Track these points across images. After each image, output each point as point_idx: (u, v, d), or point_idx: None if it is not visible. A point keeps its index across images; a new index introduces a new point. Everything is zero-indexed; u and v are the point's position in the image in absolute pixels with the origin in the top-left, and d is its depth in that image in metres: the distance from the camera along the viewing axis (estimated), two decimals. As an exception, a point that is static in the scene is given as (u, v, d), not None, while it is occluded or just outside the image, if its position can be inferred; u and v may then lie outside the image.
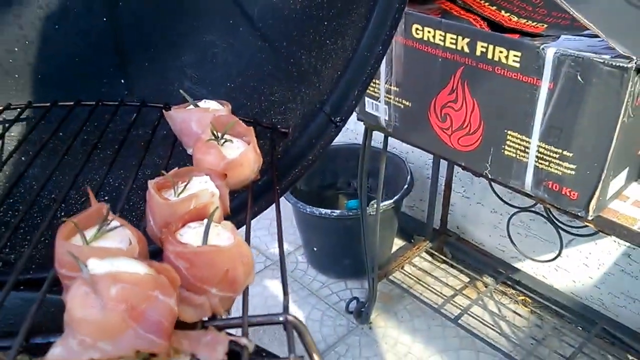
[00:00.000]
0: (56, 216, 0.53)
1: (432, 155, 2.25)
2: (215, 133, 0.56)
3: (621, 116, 1.07)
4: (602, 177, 1.13)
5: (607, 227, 1.21)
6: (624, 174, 1.22)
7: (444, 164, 2.22)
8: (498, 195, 1.86)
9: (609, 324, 1.93)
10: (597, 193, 1.15)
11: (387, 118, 1.54)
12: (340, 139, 2.57)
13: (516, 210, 1.82)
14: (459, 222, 2.38)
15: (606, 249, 1.89)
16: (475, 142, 1.34)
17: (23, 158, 0.73)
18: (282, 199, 1.20)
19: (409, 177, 2.23)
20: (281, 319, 0.43)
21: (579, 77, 1.08)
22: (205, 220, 0.46)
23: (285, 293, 0.45)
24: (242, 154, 0.55)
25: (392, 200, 2.11)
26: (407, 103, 1.46)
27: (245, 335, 0.42)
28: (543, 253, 2.04)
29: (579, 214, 1.20)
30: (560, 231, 1.68)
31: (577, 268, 2.02)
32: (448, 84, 1.33)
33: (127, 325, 0.39)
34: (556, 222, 1.70)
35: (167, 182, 0.52)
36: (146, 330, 0.40)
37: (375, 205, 1.94)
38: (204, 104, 0.63)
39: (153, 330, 0.40)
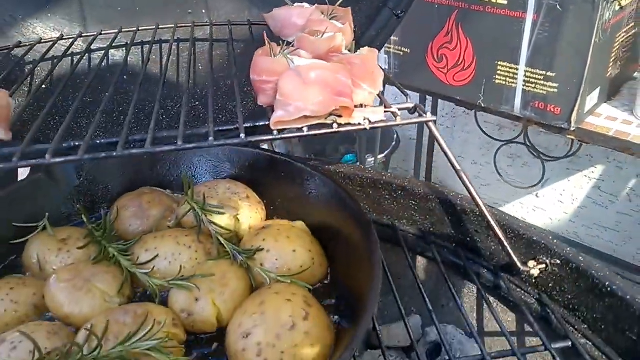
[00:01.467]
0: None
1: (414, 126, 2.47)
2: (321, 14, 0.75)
3: (594, 37, 1.31)
4: (581, 92, 1.37)
5: (586, 137, 1.45)
6: (596, 93, 1.46)
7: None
8: (484, 132, 2.07)
9: (584, 252, 2.18)
10: (576, 106, 1.39)
11: (386, 67, 1.74)
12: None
13: (500, 144, 2.03)
14: (442, 177, 2.61)
15: (578, 184, 2.16)
16: (469, 77, 1.56)
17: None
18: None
19: (395, 136, 2.45)
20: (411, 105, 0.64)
21: (558, 7, 1.32)
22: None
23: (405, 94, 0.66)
24: (346, 25, 0.75)
25: (383, 155, 2.32)
26: (407, 50, 1.67)
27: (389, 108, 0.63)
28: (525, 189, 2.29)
29: (563, 126, 1.44)
30: (542, 156, 1.92)
31: (553, 206, 2.28)
32: (444, 27, 1.55)
33: (324, 93, 0.61)
34: (538, 150, 1.94)
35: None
36: (337, 95, 0.61)
37: (368, 160, 2.14)
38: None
39: (341, 95, 0.61)
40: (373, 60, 0.70)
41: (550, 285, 0.71)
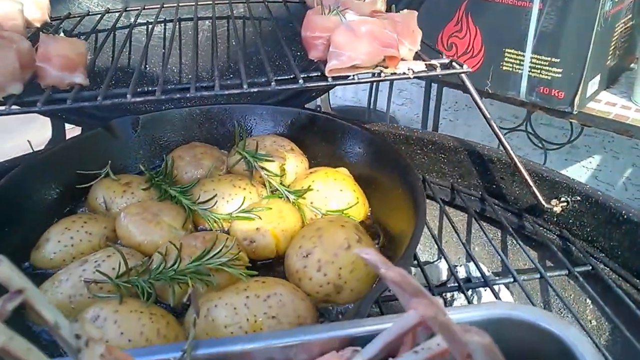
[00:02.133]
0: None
1: (418, 112, 2.57)
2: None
3: (595, 25, 1.42)
4: (583, 77, 1.48)
5: (588, 120, 1.56)
6: (597, 79, 1.58)
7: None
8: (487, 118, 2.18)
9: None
10: (579, 91, 1.50)
11: (397, 55, 1.85)
12: (339, 102, 2.85)
13: (505, 132, 2.15)
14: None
15: (577, 173, 2.27)
16: (477, 64, 1.67)
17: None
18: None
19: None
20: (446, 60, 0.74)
21: (563, -4, 1.43)
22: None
23: (440, 52, 0.75)
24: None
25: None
26: (417, 39, 1.77)
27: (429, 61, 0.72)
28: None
29: (566, 109, 1.54)
30: (544, 143, 2.03)
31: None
32: (454, 17, 1.66)
33: (373, 45, 0.71)
34: (540, 137, 2.05)
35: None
36: (384, 46, 0.70)
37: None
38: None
39: (388, 46, 0.70)
40: (413, 20, 0.80)
41: (571, 221, 0.80)
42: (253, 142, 0.92)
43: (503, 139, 0.79)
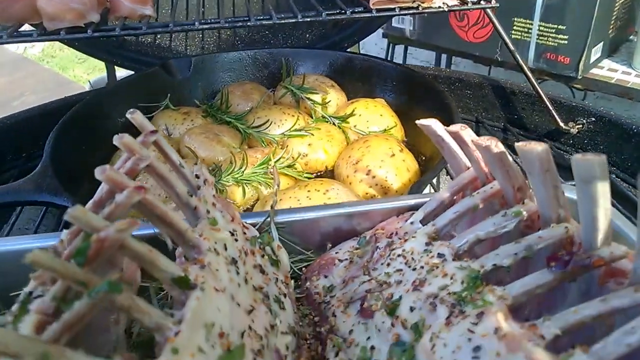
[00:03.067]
0: None
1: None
2: None
3: (600, -8, 1.54)
4: (587, 43, 1.59)
5: (591, 85, 1.68)
6: (600, 47, 1.69)
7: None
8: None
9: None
10: (583, 56, 1.61)
11: (411, 28, 1.96)
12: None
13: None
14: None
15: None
16: (487, 33, 1.78)
17: None
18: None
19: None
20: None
21: (570, -35, 1.55)
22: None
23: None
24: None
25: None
26: (430, 11, 1.89)
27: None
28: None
29: (571, 74, 1.66)
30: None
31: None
32: (465, -12, 1.77)
33: None
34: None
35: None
36: None
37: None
38: None
39: None
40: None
41: (586, 141, 0.91)
42: (297, 79, 1.02)
43: (525, 68, 0.90)
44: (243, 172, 0.79)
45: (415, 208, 0.61)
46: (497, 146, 0.50)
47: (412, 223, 0.58)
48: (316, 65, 1.09)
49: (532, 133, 1.00)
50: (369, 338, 0.48)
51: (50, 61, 4.17)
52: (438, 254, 0.50)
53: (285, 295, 0.53)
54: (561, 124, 0.91)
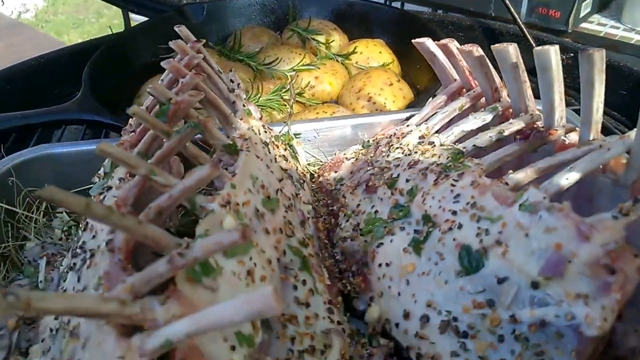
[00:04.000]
0: None
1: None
2: None
3: (588, -53, 1.65)
4: (577, -4, 1.71)
5: (581, 38, 1.80)
6: (590, 1, 1.81)
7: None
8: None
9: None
10: (573, 10, 1.73)
11: (408, -16, 2.06)
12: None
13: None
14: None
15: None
16: (482, -11, 1.89)
17: None
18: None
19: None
20: None
21: None
22: None
23: None
24: None
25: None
26: (426, -33, 1.99)
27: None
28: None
29: (561, 28, 1.78)
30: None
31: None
32: (460, -55, 1.87)
33: None
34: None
35: None
36: None
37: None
38: None
39: None
40: None
41: (564, 75, 1.04)
42: (303, 22, 1.14)
43: (519, 21, 1.02)
44: (259, 98, 0.92)
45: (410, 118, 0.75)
46: (477, 51, 0.63)
47: (408, 125, 0.71)
48: (319, 11, 1.20)
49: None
50: (373, 206, 0.61)
51: (44, 26, 4.24)
52: (429, 142, 0.64)
53: (303, 181, 0.66)
54: (543, 60, 1.04)
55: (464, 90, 0.70)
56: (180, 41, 0.60)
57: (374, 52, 1.05)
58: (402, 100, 0.93)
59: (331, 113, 0.88)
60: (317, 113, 0.88)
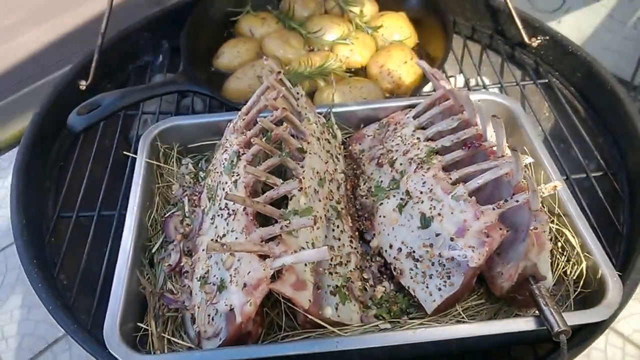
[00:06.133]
0: None
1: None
2: None
3: None
4: None
5: None
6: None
7: None
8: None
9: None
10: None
11: None
12: None
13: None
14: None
15: (595, 11, 2.82)
16: None
17: None
18: None
19: None
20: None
21: None
22: None
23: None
24: None
25: None
26: None
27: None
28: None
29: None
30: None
31: (571, 31, 2.97)
32: None
33: None
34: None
35: None
36: None
37: None
38: None
39: None
40: None
41: (542, 52, 1.45)
42: (341, -8, 1.55)
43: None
44: (308, 70, 1.37)
45: (414, 106, 1.21)
46: (451, 88, 1.09)
47: (407, 117, 1.18)
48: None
49: (509, 41, 1.53)
50: (380, 177, 1.10)
51: None
52: (417, 137, 1.11)
53: (339, 155, 1.16)
54: (526, 39, 1.45)
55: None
56: (272, 78, 1.06)
57: (396, 26, 1.47)
58: (413, 75, 1.38)
59: (360, 87, 1.34)
60: (350, 86, 1.34)
